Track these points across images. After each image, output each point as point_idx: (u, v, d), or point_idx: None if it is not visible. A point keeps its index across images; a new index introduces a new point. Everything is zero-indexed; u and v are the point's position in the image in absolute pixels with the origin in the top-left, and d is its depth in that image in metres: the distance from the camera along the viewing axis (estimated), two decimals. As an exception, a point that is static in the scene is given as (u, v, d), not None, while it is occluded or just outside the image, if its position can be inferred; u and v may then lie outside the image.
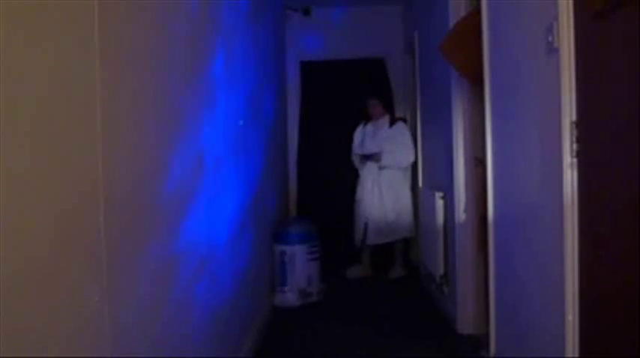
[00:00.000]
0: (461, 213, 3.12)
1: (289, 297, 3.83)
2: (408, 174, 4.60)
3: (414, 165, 4.60)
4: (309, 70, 5.32)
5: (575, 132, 1.55)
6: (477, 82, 2.63)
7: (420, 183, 4.44)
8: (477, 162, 3.04)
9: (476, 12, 2.59)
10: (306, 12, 5.16)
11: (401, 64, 5.24)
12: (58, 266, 0.96)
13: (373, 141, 4.48)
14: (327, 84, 5.13)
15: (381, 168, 4.45)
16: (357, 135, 4.68)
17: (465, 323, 3.11)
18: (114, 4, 1.21)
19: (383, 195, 4.45)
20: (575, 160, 1.56)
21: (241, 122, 2.78)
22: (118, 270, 1.19)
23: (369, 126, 4.60)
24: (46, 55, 0.94)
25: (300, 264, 3.89)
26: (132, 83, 1.32)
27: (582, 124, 1.53)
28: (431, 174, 4.05)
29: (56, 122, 0.97)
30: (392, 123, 4.52)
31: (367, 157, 4.48)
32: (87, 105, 1.08)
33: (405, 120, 4.66)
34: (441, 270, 3.49)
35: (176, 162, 1.64)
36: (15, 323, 0.84)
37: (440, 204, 3.47)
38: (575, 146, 1.55)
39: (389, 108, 4.64)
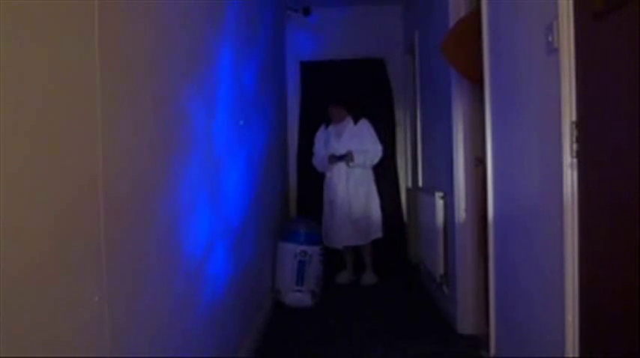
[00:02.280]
0: (461, 213, 3.12)
1: (304, 297, 3.83)
2: (372, 172, 4.49)
3: (414, 165, 4.58)
4: (309, 70, 5.32)
5: (575, 132, 1.55)
6: (478, 81, 2.63)
7: (420, 183, 4.44)
8: (477, 162, 3.04)
9: (476, 12, 2.59)
10: (306, 12, 5.16)
11: (401, 64, 5.24)
12: (58, 266, 0.96)
13: (339, 142, 4.37)
14: (327, 84, 5.12)
15: (351, 167, 4.34)
16: (319, 137, 4.57)
17: (465, 323, 3.12)
18: (114, 4, 1.21)
19: (354, 195, 4.35)
20: (575, 160, 1.56)
21: (241, 122, 2.78)
22: (118, 270, 1.19)
23: (331, 128, 4.49)
24: (46, 55, 0.94)
25: (315, 264, 3.91)
26: (132, 83, 1.32)
27: (582, 124, 1.53)
28: (431, 174, 4.05)
29: (56, 122, 0.97)
30: (355, 120, 4.43)
31: (338, 158, 4.35)
32: (87, 104, 1.08)
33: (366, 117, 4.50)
34: (441, 270, 3.49)
35: (177, 162, 1.64)
36: (15, 323, 0.84)
37: (440, 204, 3.48)
38: (575, 146, 1.55)
39: (350, 109, 4.48)
